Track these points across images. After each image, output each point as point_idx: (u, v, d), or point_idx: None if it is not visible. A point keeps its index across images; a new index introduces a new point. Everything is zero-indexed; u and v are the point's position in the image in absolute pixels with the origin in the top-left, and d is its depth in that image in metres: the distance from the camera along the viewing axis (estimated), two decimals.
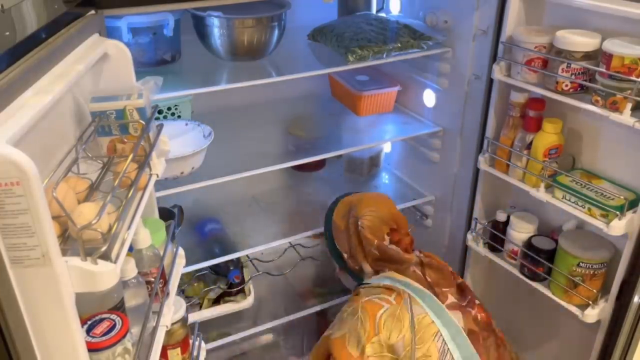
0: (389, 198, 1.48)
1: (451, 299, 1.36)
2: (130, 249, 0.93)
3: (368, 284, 1.37)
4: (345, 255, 1.43)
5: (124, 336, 0.80)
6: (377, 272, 1.39)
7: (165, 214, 1.39)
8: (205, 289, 1.61)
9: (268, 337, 1.92)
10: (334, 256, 1.50)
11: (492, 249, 1.62)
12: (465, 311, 1.36)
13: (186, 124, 1.47)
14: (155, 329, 0.97)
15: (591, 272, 1.35)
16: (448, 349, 1.25)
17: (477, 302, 1.40)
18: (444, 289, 1.37)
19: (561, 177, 1.36)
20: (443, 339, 1.25)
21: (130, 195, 0.82)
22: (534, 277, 1.48)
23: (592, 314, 1.35)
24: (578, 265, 1.35)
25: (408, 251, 1.39)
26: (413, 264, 1.38)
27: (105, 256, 0.71)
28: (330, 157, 1.67)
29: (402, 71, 1.82)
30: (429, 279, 1.37)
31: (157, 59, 1.42)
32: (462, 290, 1.40)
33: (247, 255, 1.66)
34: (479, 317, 1.37)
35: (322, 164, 1.95)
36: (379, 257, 1.37)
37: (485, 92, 1.51)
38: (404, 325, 1.24)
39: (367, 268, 1.40)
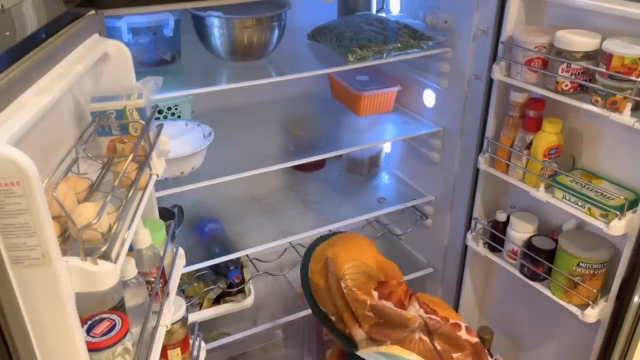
0: (369, 242, 1.30)
1: None
2: (130, 249, 0.93)
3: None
4: (333, 318, 1.24)
5: (124, 336, 0.80)
6: (373, 340, 1.19)
7: (165, 214, 1.39)
8: (205, 289, 1.61)
9: (268, 337, 1.92)
10: (318, 318, 1.32)
11: (492, 249, 1.62)
12: None
13: (186, 124, 1.47)
14: (155, 329, 0.97)
15: (591, 272, 1.35)
16: None
17: None
18: (455, 355, 1.20)
19: (561, 177, 1.36)
20: None
21: (130, 195, 0.82)
22: (534, 277, 1.48)
23: (592, 314, 1.35)
24: (578, 265, 1.35)
25: (403, 304, 1.22)
26: (417, 327, 1.19)
27: (105, 256, 0.71)
28: (330, 157, 1.67)
29: (402, 71, 1.82)
30: (438, 347, 1.19)
31: (157, 59, 1.42)
32: (477, 353, 1.23)
33: (247, 255, 1.66)
34: None
35: (322, 164, 1.95)
36: (376, 321, 1.18)
37: (485, 92, 1.51)
38: None
39: (360, 334, 1.20)
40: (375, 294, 1.18)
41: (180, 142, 1.39)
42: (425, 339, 1.18)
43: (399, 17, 1.78)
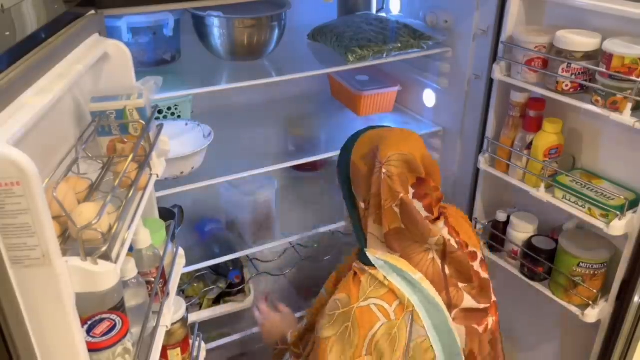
0: (418, 136, 1.19)
1: (467, 300, 1.13)
2: (130, 249, 0.93)
3: (370, 263, 1.12)
4: (362, 205, 1.15)
5: (124, 336, 0.80)
6: (386, 245, 1.12)
7: (165, 214, 1.39)
8: (205, 289, 1.61)
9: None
10: (348, 204, 1.23)
11: (492, 249, 1.62)
12: (475, 326, 1.15)
13: (186, 124, 1.47)
14: (155, 329, 0.97)
15: (591, 272, 1.35)
16: None
17: (496, 307, 1.20)
18: (461, 284, 1.13)
19: (561, 177, 1.36)
20: None
21: (130, 195, 0.82)
22: (534, 277, 1.48)
23: (592, 314, 1.35)
24: (578, 265, 1.35)
25: (432, 211, 1.12)
26: (434, 246, 1.11)
27: (106, 256, 0.71)
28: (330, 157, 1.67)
29: (402, 71, 1.81)
30: (447, 272, 1.12)
31: (157, 59, 1.42)
32: (483, 289, 1.17)
33: (247, 255, 1.66)
34: (489, 325, 1.18)
35: (322, 164, 1.95)
36: (398, 227, 1.10)
37: (485, 92, 1.51)
38: (398, 348, 1.06)
39: (376, 230, 1.13)
40: (411, 190, 1.09)
41: (180, 142, 1.39)
42: (438, 261, 1.11)
43: (399, 17, 1.78)
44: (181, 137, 1.42)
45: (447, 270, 1.12)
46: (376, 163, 1.10)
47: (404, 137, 1.15)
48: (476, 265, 1.16)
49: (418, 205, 1.09)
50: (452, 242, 1.12)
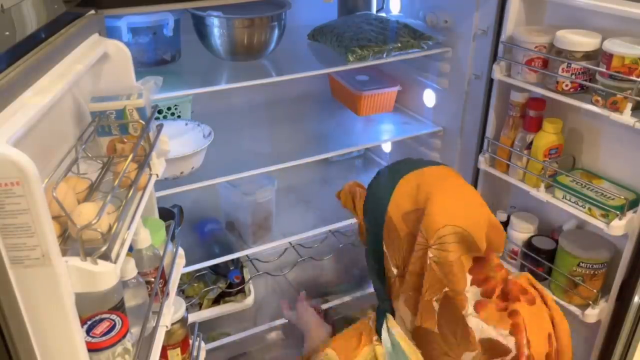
0: (478, 195, 0.95)
1: None
2: (130, 249, 0.93)
3: (379, 329, 0.95)
4: (395, 271, 0.94)
5: (124, 336, 0.80)
6: (413, 338, 0.92)
7: (165, 214, 1.39)
8: (205, 289, 1.61)
9: (269, 337, 1.92)
10: (371, 256, 1.02)
11: None
12: None
13: (186, 124, 1.47)
14: (155, 329, 0.97)
15: (591, 272, 1.35)
16: None
17: None
18: None
19: (561, 177, 1.36)
20: None
21: (130, 195, 0.82)
22: (534, 277, 1.47)
23: (592, 314, 1.35)
24: (578, 265, 1.35)
25: (492, 295, 0.88)
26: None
27: (105, 256, 0.71)
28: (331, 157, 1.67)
29: (402, 71, 1.81)
30: None
31: (157, 59, 1.42)
32: None
33: (247, 255, 1.66)
34: None
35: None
36: (435, 317, 0.87)
37: (485, 92, 1.51)
38: None
39: (403, 311, 0.93)
40: (469, 277, 0.86)
41: (180, 142, 1.39)
42: None
43: (399, 16, 1.78)
44: (181, 137, 1.42)
45: None
46: (420, 234, 0.87)
47: (459, 199, 0.90)
48: None
49: (474, 292, 0.86)
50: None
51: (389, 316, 0.96)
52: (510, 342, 0.87)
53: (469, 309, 0.87)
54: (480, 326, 0.87)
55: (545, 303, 0.96)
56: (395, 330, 0.94)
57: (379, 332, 0.97)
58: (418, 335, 0.91)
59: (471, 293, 0.87)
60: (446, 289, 0.86)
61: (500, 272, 0.92)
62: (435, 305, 0.87)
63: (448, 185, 0.92)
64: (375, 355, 0.93)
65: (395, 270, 0.94)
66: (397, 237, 0.93)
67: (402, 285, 0.93)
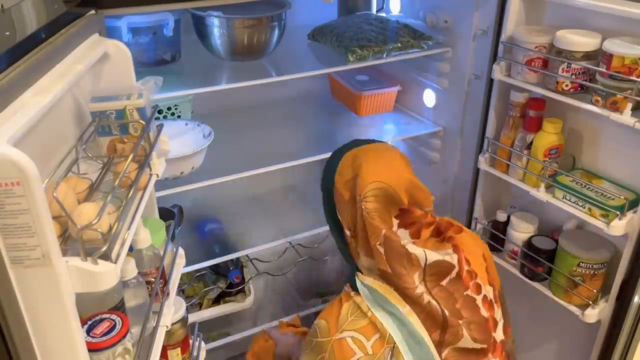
0: (402, 158, 1.12)
1: (465, 339, 1.03)
2: (130, 249, 0.93)
3: (356, 290, 1.07)
4: (348, 233, 1.10)
5: (124, 336, 0.80)
6: (380, 275, 1.05)
7: (165, 214, 1.39)
8: (205, 289, 1.61)
9: None
10: (332, 228, 1.18)
11: (492, 249, 1.61)
12: None
13: (186, 124, 1.47)
14: (155, 329, 0.97)
15: (591, 272, 1.35)
16: None
17: (501, 348, 1.09)
18: (461, 321, 1.04)
19: (561, 177, 1.36)
20: None
21: (130, 195, 0.82)
22: (534, 277, 1.47)
23: (592, 314, 1.35)
24: (578, 265, 1.35)
25: (420, 235, 1.06)
26: (419, 282, 1.02)
27: (106, 256, 0.71)
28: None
29: (402, 71, 1.81)
30: (445, 312, 1.02)
31: (157, 59, 1.42)
32: (480, 326, 1.05)
33: (247, 255, 1.66)
34: None
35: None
36: (384, 258, 1.03)
37: (485, 92, 1.51)
38: None
39: (365, 261, 1.07)
40: (395, 222, 1.03)
41: (180, 142, 1.39)
42: (434, 302, 1.02)
43: (399, 17, 1.78)
44: (181, 137, 1.42)
45: (445, 311, 1.02)
46: (357, 196, 1.05)
47: (383, 162, 1.08)
48: (478, 299, 1.06)
49: (403, 234, 1.04)
50: (452, 269, 1.03)
51: (358, 273, 1.09)
52: (454, 259, 1.04)
53: (405, 240, 1.04)
54: (423, 253, 1.03)
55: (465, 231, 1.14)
56: (367, 280, 1.07)
57: (353, 288, 1.09)
58: (383, 278, 1.05)
59: (400, 234, 1.04)
60: (383, 231, 1.02)
61: (427, 218, 1.09)
62: (380, 248, 1.03)
63: (378, 154, 1.11)
64: (355, 304, 1.05)
65: (348, 232, 1.11)
66: (343, 202, 1.10)
67: (358, 243, 1.08)
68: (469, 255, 1.07)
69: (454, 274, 1.04)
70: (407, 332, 1.02)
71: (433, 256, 1.03)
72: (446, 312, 1.02)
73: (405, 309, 1.02)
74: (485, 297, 1.08)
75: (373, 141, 1.19)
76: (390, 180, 1.04)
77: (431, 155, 1.80)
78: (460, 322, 1.03)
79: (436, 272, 1.04)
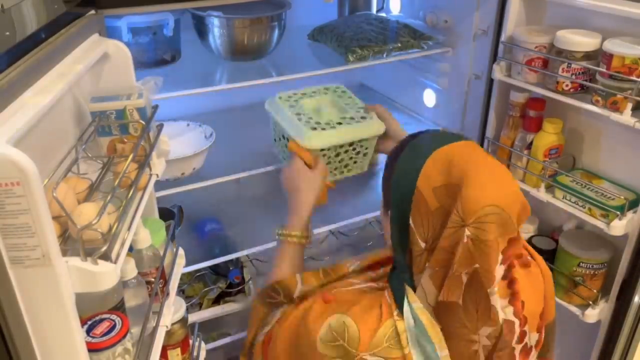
0: (507, 170, 0.95)
1: None
2: (130, 249, 0.93)
3: (398, 303, 0.94)
4: (423, 246, 0.92)
5: (124, 336, 0.80)
6: (434, 313, 0.92)
7: (165, 214, 1.39)
8: (205, 289, 1.61)
9: None
10: (394, 225, 0.98)
11: None
12: None
13: (187, 125, 1.47)
14: (155, 329, 0.97)
15: (591, 272, 1.35)
16: None
17: None
18: None
19: (561, 177, 1.36)
20: None
21: (130, 195, 0.82)
22: None
23: (592, 314, 1.35)
24: (578, 265, 1.35)
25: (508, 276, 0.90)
26: (483, 338, 0.90)
27: (106, 256, 0.71)
28: None
29: (402, 71, 1.81)
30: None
31: (157, 59, 1.42)
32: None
33: (247, 255, 1.66)
34: None
35: None
36: (461, 290, 0.87)
37: (485, 92, 1.51)
38: None
39: (428, 286, 0.92)
40: (500, 257, 0.86)
41: (181, 143, 1.39)
42: (481, 356, 0.91)
43: (399, 17, 1.78)
44: (182, 138, 1.42)
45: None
46: (455, 213, 0.86)
47: (496, 178, 0.88)
48: (517, 349, 0.94)
49: (499, 272, 0.87)
50: (511, 332, 0.90)
51: (409, 289, 0.95)
52: (509, 313, 0.90)
53: (495, 287, 0.88)
54: (503, 307, 0.89)
55: (535, 260, 1.00)
56: (415, 305, 0.93)
57: (397, 302, 0.96)
58: (439, 310, 0.91)
59: (498, 272, 0.88)
60: (477, 265, 0.86)
61: (521, 248, 0.93)
62: (464, 277, 0.87)
63: (481, 163, 0.90)
64: (396, 330, 0.93)
65: (423, 244, 0.92)
66: (427, 211, 0.91)
67: (430, 260, 0.91)
68: (527, 297, 0.93)
69: (516, 328, 0.92)
70: None
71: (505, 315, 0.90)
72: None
73: (443, 353, 0.90)
74: (525, 345, 0.94)
75: (459, 138, 0.97)
76: (508, 205, 0.86)
77: None
78: None
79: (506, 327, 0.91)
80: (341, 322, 0.95)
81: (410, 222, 0.93)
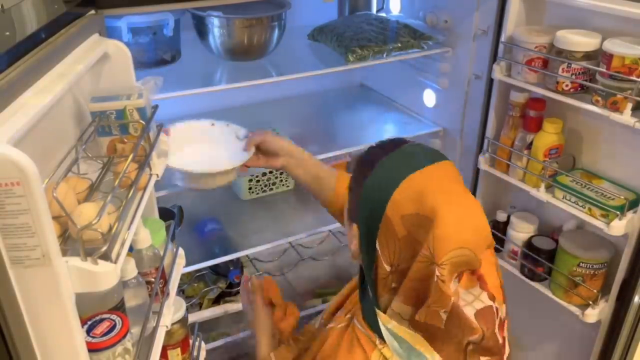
0: (477, 202, 0.94)
1: None
2: (130, 249, 0.93)
3: (377, 330, 0.95)
4: (388, 269, 0.92)
5: (124, 336, 0.80)
6: (412, 325, 0.92)
7: (165, 214, 1.39)
8: (205, 289, 1.61)
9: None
10: (364, 256, 0.98)
11: None
12: None
13: (212, 124, 1.35)
14: (155, 329, 0.97)
15: (591, 272, 1.35)
16: None
17: None
18: None
19: (561, 177, 1.36)
20: None
21: (130, 195, 0.81)
22: (534, 277, 1.47)
23: (592, 314, 1.35)
24: (578, 265, 1.35)
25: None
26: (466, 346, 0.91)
27: (106, 256, 0.71)
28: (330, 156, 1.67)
29: (402, 71, 1.81)
30: None
31: (157, 59, 1.42)
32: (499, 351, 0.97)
33: (247, 255, 1.66)
34: None
35: None
36: (442, 321, 0.88)
37: (485, 92, 1.51)
38: None
39: (399, 307, 0.92)
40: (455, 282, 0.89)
41: (216, 149, 1.29)
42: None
43: (399, 17, 1.78)
44: (209, 142, 1.33)
45: None
46: (426, 248, 0.86)
47: (468, 219, 0.89)
48: (496, 322, 0.95)
49: (455, 286, 0.88)
50: (492, 320, 0.91)
51: (380, 313, 0.95)
52: (484, 298, 0.91)
53: (463, 302, 0.91)
54: (477, 295, 0.91)
55: None
56: (391, 325, 0.93)
57: (372, 329, 0.96)
58: (418, 325, 0.91)
59: (453, 287, 0.90)
60: (452, 300, 0.87)
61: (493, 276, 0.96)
62: (443, 315, 0.88)
63: (453, 196, 0.91)
64: (384, 359, 0.93)
65: (388, 268, 0.92)
66: (394, 238, 0.90)
67: (398, 286, 0.92)
68: (486, 275, 0.94)
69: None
70: None
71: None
72: None
73: (435, 357, 0.91)
74: (500, 319, 0.96)
75: (432, 159, 0.95)
76: (476, 246, 0.87)
77: None
78: None
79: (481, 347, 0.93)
80: None
81: (377, 246, 0.93)
